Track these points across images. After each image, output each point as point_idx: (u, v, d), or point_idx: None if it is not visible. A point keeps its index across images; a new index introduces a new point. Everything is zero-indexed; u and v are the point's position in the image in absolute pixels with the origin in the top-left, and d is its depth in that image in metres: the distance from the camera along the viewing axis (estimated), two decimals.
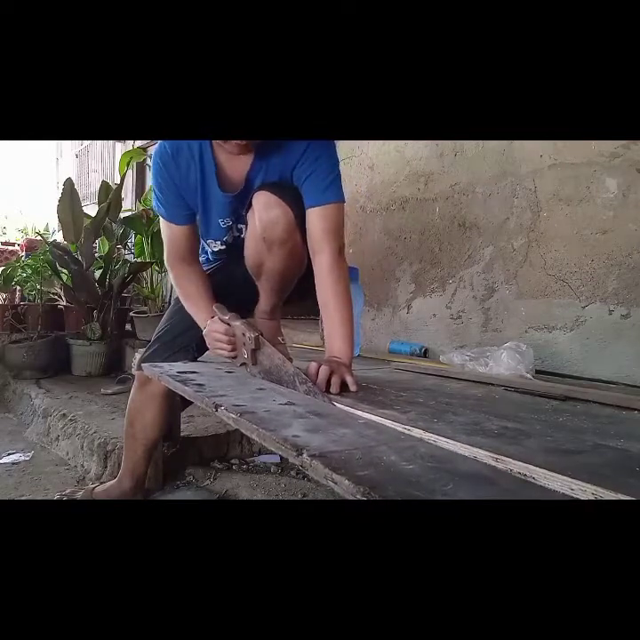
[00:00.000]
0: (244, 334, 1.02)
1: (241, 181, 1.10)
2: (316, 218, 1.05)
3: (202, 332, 1.12)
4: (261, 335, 1.00)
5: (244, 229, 1.19)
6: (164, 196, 1.12)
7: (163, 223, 1.17)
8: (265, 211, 1.06)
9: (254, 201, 1.08)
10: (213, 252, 1.27)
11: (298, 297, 1.28)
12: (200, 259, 1.30)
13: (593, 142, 1.52)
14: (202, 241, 1.26)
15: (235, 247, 1.22)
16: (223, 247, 1.24)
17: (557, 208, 1.62)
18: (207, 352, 1.29)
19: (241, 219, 1.18)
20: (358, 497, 0.42)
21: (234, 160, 1.09)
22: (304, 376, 0.88)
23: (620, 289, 1.48)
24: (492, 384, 1.18)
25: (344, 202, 1.09)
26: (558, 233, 1.62)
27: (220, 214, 1.16)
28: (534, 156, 1.67)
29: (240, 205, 1.14)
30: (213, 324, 1.08)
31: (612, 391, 1.20)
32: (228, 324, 1.05)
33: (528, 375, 1.37)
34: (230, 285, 1.22)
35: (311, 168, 1.05)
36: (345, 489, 0.44)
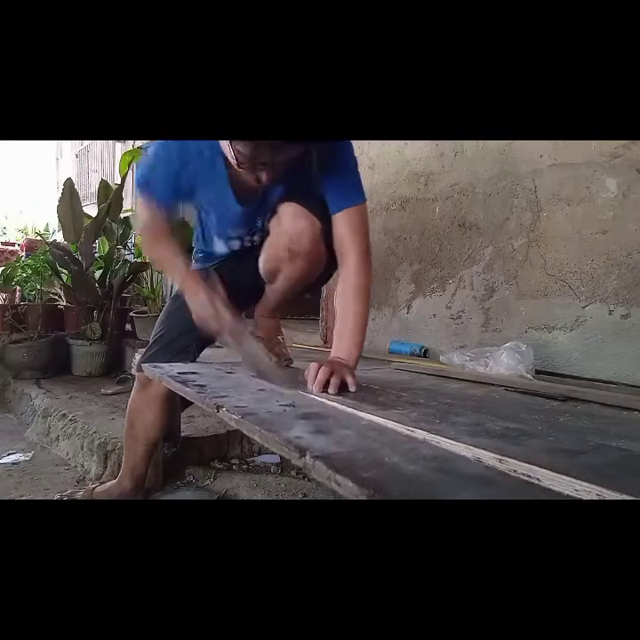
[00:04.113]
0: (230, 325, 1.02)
1: (258, 195, 1.10)
2: (342, 222, 1.05)
3: (201, 331, 1.11)
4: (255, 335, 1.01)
5: (257, 239, 1.19)
6: (158, 175, 1.07)
7: (143, 204, 1.12)
8: (292, 221, 1.06)
9: (281, 211, 1.08)
10: (216, 254, 1.27)
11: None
12: (198, 255, 1.30)
13: (593, 142, 1.51)
14: (202, 242, 1.26)
15: (242, 251, 1.22)
16: (228, 251, 1.24)
17: (557, 208, 1.62)
18: (205, 352, 1.29)
19: (254, 230, 1.18)
20: (362, 499, 0.42)
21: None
22: (278, 368, 0.89)
23: (619, 289, 1.48)
24: (493, 384, 1.18)
25: (365, 200, 1.08)
26: (558, 233, 1.62)
27: (233, 225, 1.16)
28: (534, 156, 1.67)
29: (256, 217, 1.14)
30: (204, 298, 1.03)
31: (612, 391, 1.20)
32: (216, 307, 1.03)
33: (528, 375, 1.37)
34: (232, 283, 1.22)
35: (329, 176, 1.04)
36: (349, 491, 0.44)
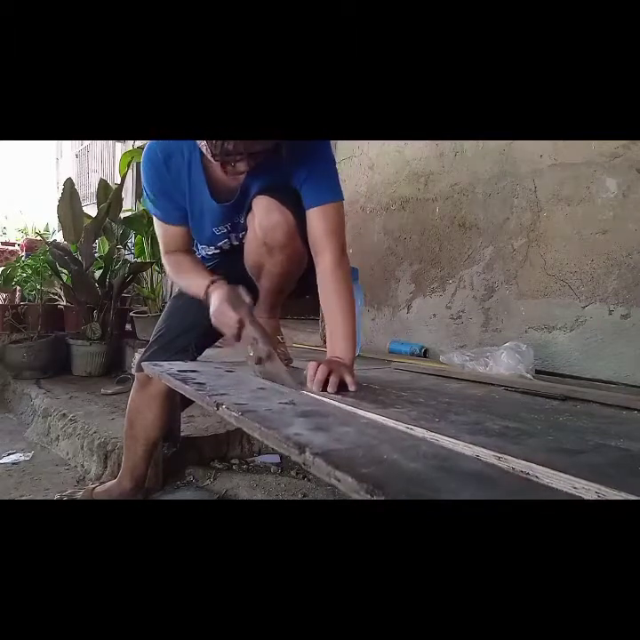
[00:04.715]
0: (256, 340, 0.98)
1: (236, 191, 1.09)
2: (317, 218, 1.04)
3: (201, 332, 1.11)
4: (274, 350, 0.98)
5: (243, 237, 1.18)
6: (158, 199, 1.11)
7: (157, 221, 1.16)
8: (266, 215, 1.05)
9: (254, 205, 1.07)
10: (208, 256, 1.27)
11: (295, 293, 1.28)
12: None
13: (593, 142, 1.52)
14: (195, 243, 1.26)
15: (232, 250, 1.22)
16: (217, 251, 1.24)
17: (557, 208, 1.62)
18: (206, 352, 1.29)
19: (239, 227, 1.17)
20: (362, 494, 0.42)
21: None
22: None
23: (619, 289, 1.48)
24: (492, 384, 1.18)
25: (343, 200, 1.08)
26: (558, 233, 1.62)
27: (214, 223, 1.15)
28: (534, 156, 1.68)
29: (236, 213, 1.13)
30: (229, 311, 1.00)
31: (612, 391, 1.20)
32: (241, 318, 0.99)
33: (528, 375, 1.37)
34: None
35: (307, 170, 1.04)
36: (348, 486, 0.44)
